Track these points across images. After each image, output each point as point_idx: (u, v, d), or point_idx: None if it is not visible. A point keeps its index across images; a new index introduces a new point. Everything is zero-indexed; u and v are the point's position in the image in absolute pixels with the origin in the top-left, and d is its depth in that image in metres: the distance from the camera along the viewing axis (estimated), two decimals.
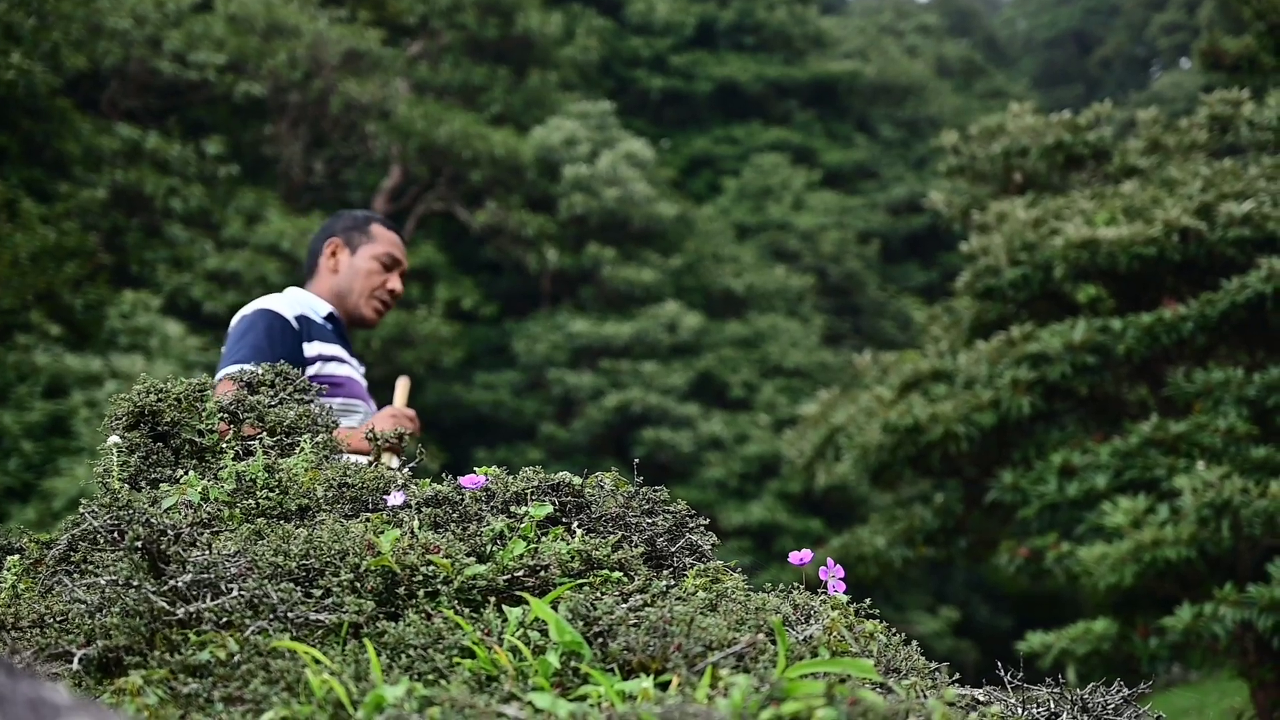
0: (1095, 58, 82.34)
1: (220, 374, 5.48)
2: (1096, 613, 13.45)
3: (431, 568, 2.54)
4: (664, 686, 2.18)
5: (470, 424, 34.04)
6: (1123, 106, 46.18)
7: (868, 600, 2.73)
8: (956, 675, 2.68)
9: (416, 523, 2.78)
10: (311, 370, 5.71)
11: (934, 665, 2.61)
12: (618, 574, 2.60)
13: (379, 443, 4.96)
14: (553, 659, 2.22)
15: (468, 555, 2.60)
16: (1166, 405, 13.66)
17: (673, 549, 2.96)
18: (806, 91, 52.43)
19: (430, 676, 2.24)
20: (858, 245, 44.65)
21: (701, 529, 3.11)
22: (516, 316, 36.24)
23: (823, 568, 2.72)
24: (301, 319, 5.80)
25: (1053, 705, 2.63)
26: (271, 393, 3.85)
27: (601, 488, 3.04)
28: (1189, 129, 15.43)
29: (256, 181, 32.11)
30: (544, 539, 2.68)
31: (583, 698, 2.14)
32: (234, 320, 5.80)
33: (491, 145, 33.44)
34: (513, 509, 2.84)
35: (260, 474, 3.20)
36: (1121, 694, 2.63)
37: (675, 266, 37.48)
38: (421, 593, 2.50)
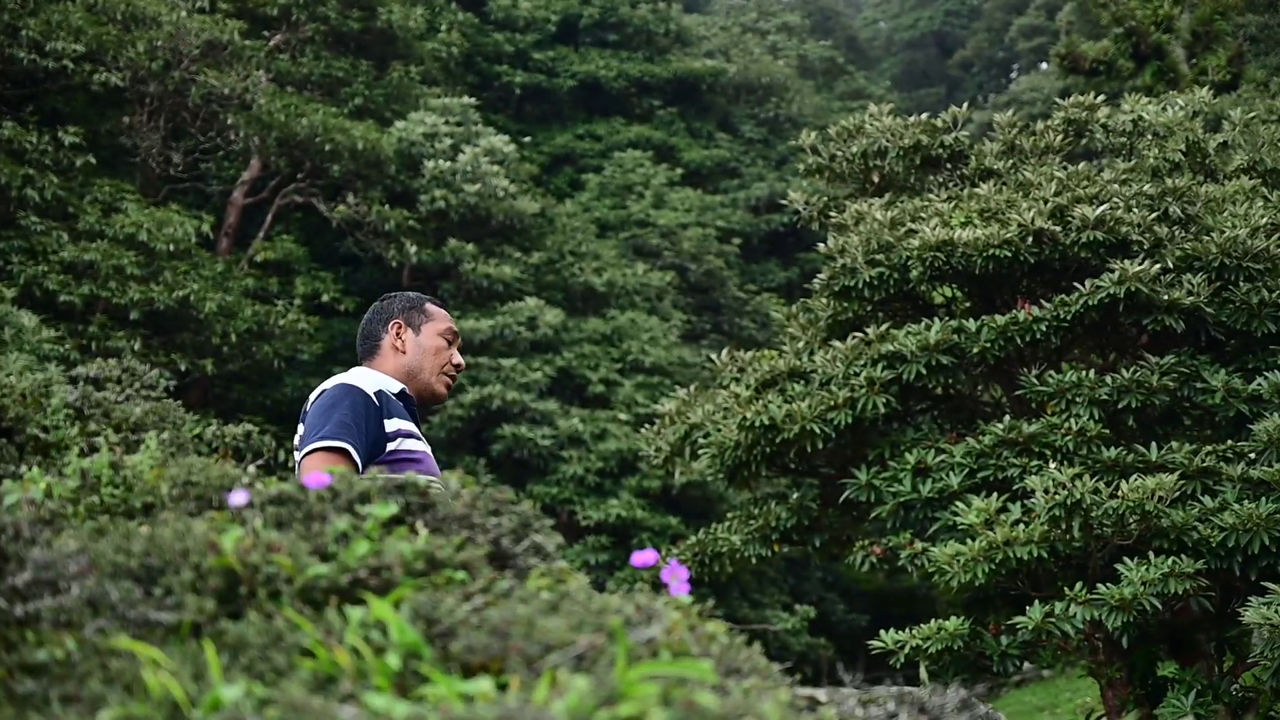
0: (956, 59, 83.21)
1: (308, 447, 5.64)
2: (950, 611, 13.55)
3: (274, 567, 2.51)
4: (504, 688, 2.18)
5: None
6: (982, 109, 46.65)
7: (710, 602, 2.74)
8: (798, 675, 2.69)
9: (260, 522, 2.76)
10: (392, 445, 5.82)
11: (779, 666, 2.62)
12: (461, 574, 2.59)
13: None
14: (393, 660, 2.21)
15: (311, 555, 2.58)
16: (1020, 406, 13.79)
17: (517, 549, 2.96)
18: (669, 89, 52.62)
19: (270, 677, 2.22)
20: (718, 243, 44.88)
21: (546, 529, 3.10)
22: None
23: (665, 569, 2.72)
24: (380, 394, 5.93)
25: (892, 706, 2.65)
26: (118, 389, 3.82)
27: (447, 487, 3.03)
28: (1044, 132, 15.57)
29: (114, 172, 31.83)
30: (388, 539, 2.66)
31: (422, 698, 2.13)
32: (313, 396, 5.93)
33: (352, 139, 33.31)
34: (357, 508, 2.82)
35: (105, 471, 3.17)
36: (960, 695, 2.65)
37: (536, 263, 37.53)
38: (263, 592, 2.47)
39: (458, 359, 6.39)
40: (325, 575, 2.50)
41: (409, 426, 5.95)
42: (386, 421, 5.82)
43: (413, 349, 6.25)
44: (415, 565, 2.57)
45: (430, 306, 6.38)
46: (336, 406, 5.73)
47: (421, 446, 5.96)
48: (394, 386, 6.08)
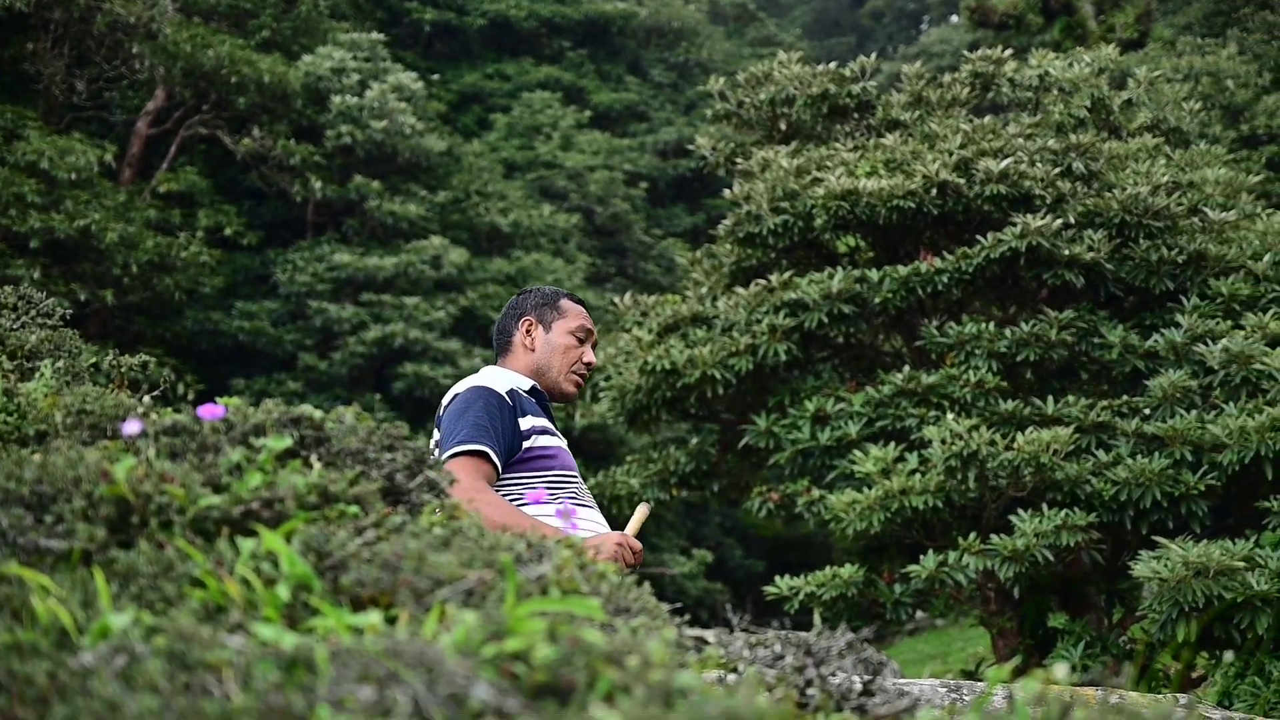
0: (867, 9, 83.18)
1: (447, 453, 5.59)
2: (845, 558, 13.61)
3: (166, 497, 2.51)
4: (393, 621, 2.18)
5: (229, 353, 33.69)
6: (891, 60, 46.74)
7: None
8: (688, 617, 2.71)
9: (153, 452, 2.75)
10: (528, 444, 5.78)
11: (671, 607, 2.63)
12: (354, 509, 2.59)
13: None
14: (283, 591, 2.21)
15: (204, 486, 2.58)
16: (920, 356, 13.87)
17: (411, 485, 2.96)
18: (579, 31, 52.45)
19: (159, 606, 2.21)
20: (625, 187, 44.78)
21: (440, 465, 3.11)
22: (279, 246, 35.87)
23: (559, 508, 2.73)
24: (512, 394, 5.90)
25: (779, 648, 2.67)
26: (14, 316, 3.78)
27: (342, 422, 3.03)
28: (951, 85, 15.61)
29: (15, 99, 31.40)
30: (281, 472, 2.65)
31: (311, 630, 2.13)
32: (447, 399, 5.94)
33: (259, 71, 33.00)
34: (252, 441, 2.81)
35: None
36: (846, 638, 2.67)
37: (441, 201, 37.35)
38: (155, 522, 2.46)
39: (589, 357, 6.28)
40: (217, 506, 2.50)
41: (543, 423, 5.94)
42: (521, 420, 5.82)
43: (542, 347, 6.20)
44: (308, 498, 2.57)
45: (565, 303, 6.31)
46: (470, 409, 5.74)
47: (556, 442, 5.94)
48: (525, 384, 6.08)
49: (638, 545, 5.50)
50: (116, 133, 34.32)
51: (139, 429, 2.78)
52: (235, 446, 2.78)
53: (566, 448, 6.05)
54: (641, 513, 5.83)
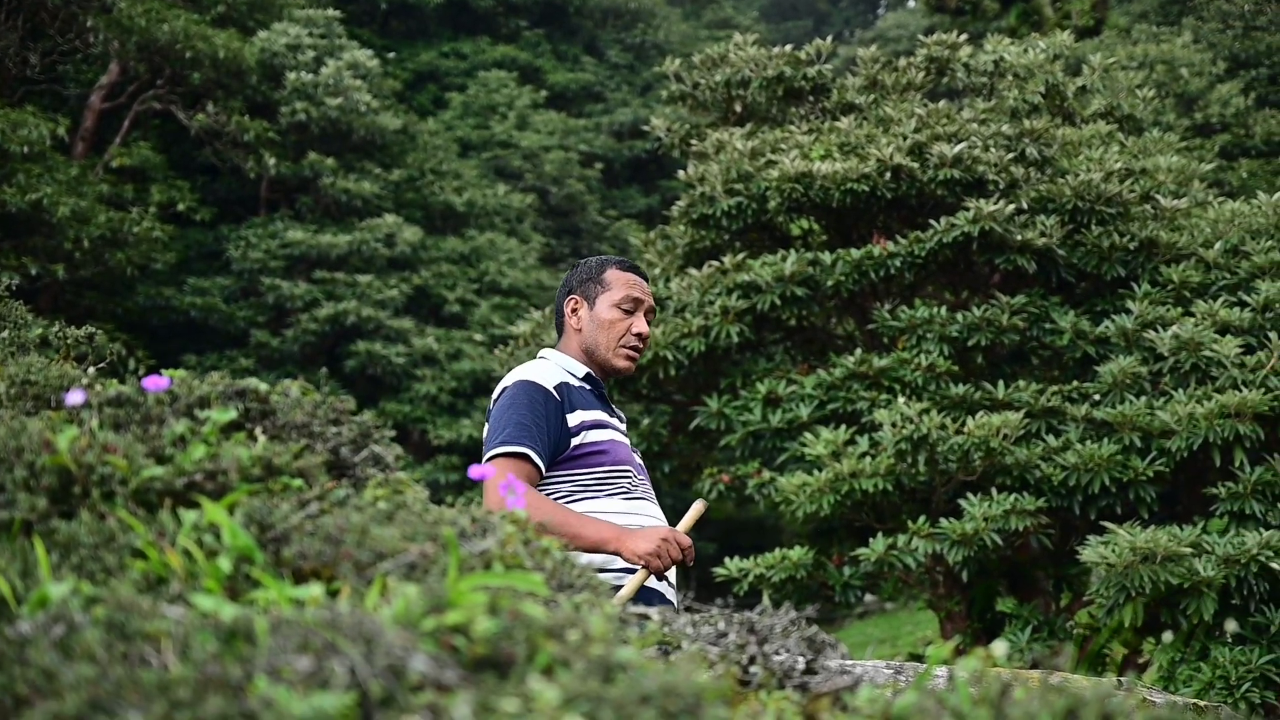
0: None
1: (490, 453, 5.46)
2: (795, 540, 13.64)
3: (109, 468, 2.50)
4: (335, 594, 2.18)
5: (181, 329, 33.58)
6: (848, 44, 46.81)
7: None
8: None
9: (97, 422, 2.74)
10: (576, 440, 5.57)
11: (612, 584, 2.64)
12: (298, 482, 2.58)
13: (645, 568, 5.10)
14: (225, 563, 2.20)
15: (147, 457, 2.57)
16: (872, 340, 13.90)
17: (356, 459, 2.95)
18: (536, 10, 52.37)
19: (100, 576, 2.20)
20: (580, 167, 44.75)
21: (386, 440, 3.10)
22: (232, 222, 35.75)
23: (502, 483, 2.73)
24: (561, 387, 5.67)
25: (722, 625, 2.68)
26: None
27: (288, 396, 3.02)
28: (907, 69, 15.64)
29: None
30: (225, 444, 2.64)
31: (252, 602, 2.13)
32: (495, 392, 5.72)
33: (214, 47, 32.84)
34: (196, 413, 2.80)
35: None
36: (789, 617, 2.68)
37: (396, 179, 37.27)
38: (97, 493, 2.46)
39: (639, 327, 5.91)
40: (160, 477, 2.49)
41: (595, 415, 5.70)
42: (569, 416, 5.61)
43: (588, 325, 5.92)
44: (252, 471, 2.56)
45: (610, 273, 5.99)
46: (514, 406, 5.52)
47: (607, 436, 5.69)
48: (578, 370, 5.86)
49: (686, 541, 5.34)
50: (70, 106, 34.15)
51: (82, 399, 2.77)
52: (179, 418, 2.77)
53: (623, 437, 5.81)
54: (696, 510, 5.60)
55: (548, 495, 5.50)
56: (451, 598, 1.94)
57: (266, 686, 1.73)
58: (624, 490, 5.61)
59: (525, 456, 5.42)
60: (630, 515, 5.55)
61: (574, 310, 5.96)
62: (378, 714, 1.73)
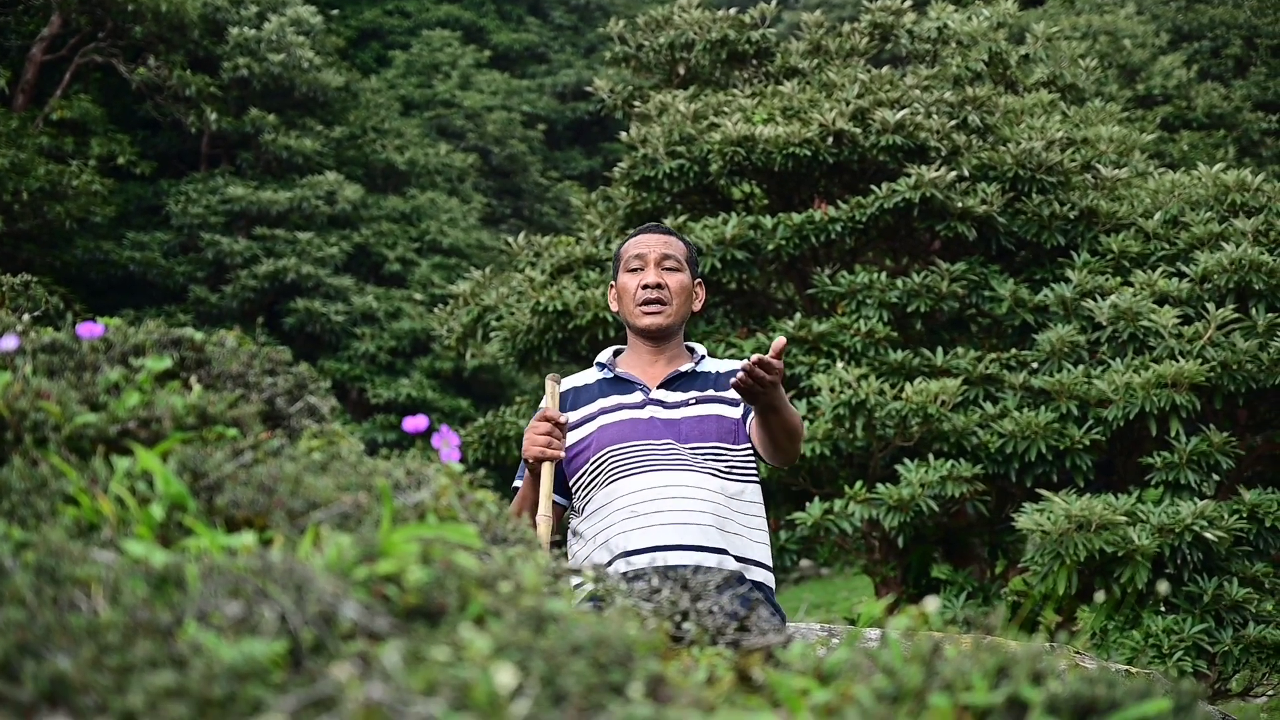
0: None
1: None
2: None
3: (42, 414, 2.48)
4: (268, 543, 2.17)
5: (119, 283, 33.41)
6: (792, 9, 46.74)
7: (482, 471, 2.75)
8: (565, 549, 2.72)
9: (30, 369, 2.72)
10: (569, 441, 5.50)
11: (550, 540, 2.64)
12: (233, 431, 2.57)
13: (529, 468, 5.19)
14: (157, 510, 2.19)
15: (81, 404, 2.55)
16: (811, 304, 13.92)
17: (291, 410, 2.94)
18: None
19: (31, 522, 2.19)
20: (523, 128, 44.66)
21: (322, 391, 3.09)
22: (172, 177, 35.58)
23: (436, 435, 2.72)
24: (570, 392, 5.66)
25: (656, 581, 2.68)
26: None
27: (223, 345, 3.00)
28: (850, 34, 15.66)
29: None
30: (160, 392, 2.63)
31: (185, 550, 2.12)
32: None
33: (156, 0, 32.65)
34: (131, 361, 2.79)
35: None
36: (724, 573, 2.69)
37: (337, 137, 37.14)
38: (30, 439, 2.44)
39: (646, 278, 5.63)
40: (93, 424, 2.47)
41: (586, 411, 5.60)
42: (570, 415, 5.55)
43: (617, 303, 5.78)
44: (186, 419, 2.54)
45: (624, 246, 5.82)
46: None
47: (591, 427, 5.54)
48: (606, 359, 5.79)
49: (552, 415, 5.22)
50: (10, 58, 33.89)
51: (16, 345, 2.74)
52: (114, 366, 2.76)
53: (625, 413, 5.56)
54: (549, 387, 5.45)
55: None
56: (384, 548, 1.94)
57: (196, 632, 1.72)
58: (603, 480, 5.44)
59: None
60: (615, 500, 5.37)
61: (614, 297, 5.85)
62: (308, 661, 1.72)
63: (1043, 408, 11.91)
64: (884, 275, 13.23)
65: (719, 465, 5.40)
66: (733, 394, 5.48)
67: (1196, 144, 31.05)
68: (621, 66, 16.83)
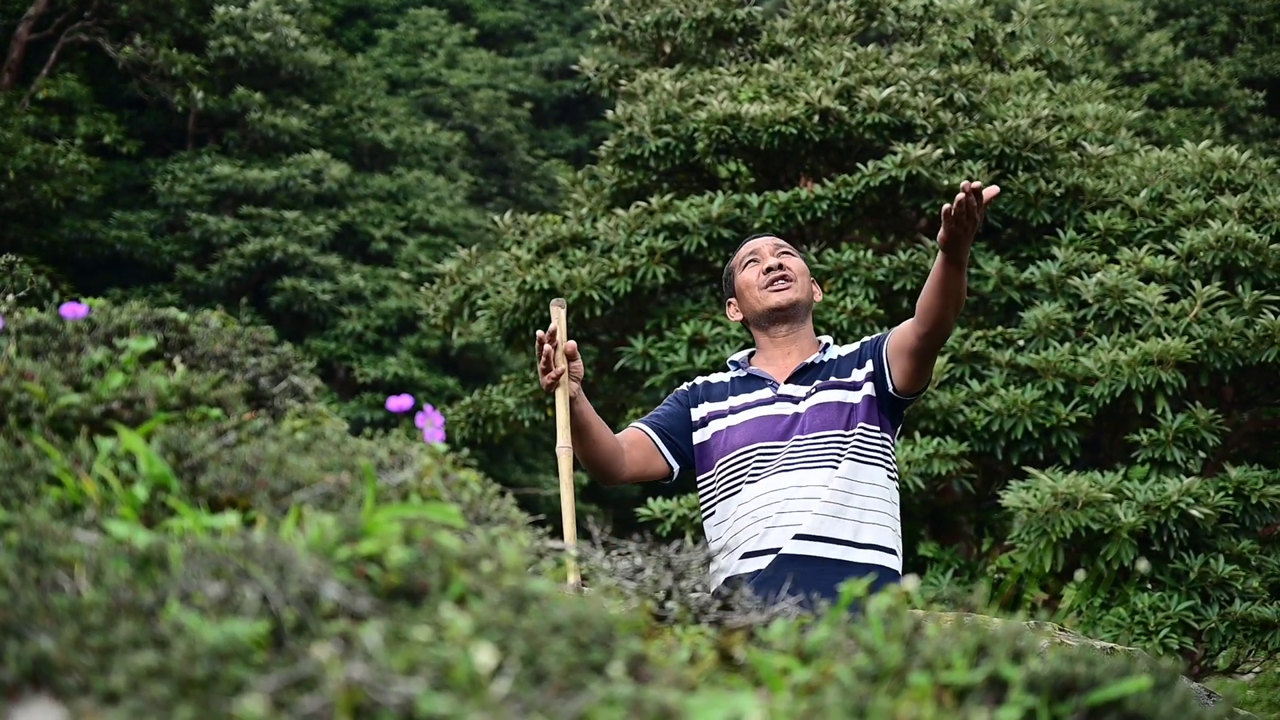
0: None
1: None
2: None
3: (25, 395, 2.48)
4: (251, 523, 2.18)
5: (106, 262, 33.32)
6: None
7: (468, 450, 2.75)
8: (550, 528, 2.72)
9: (14, 349, 2.72)
10: (697, 437, 5.69)
11: (531, 517, 2.64)
12: (216, 411, 2.57)
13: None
14: (140, 490, 2.20)
15: (65, 384, 2.55)
16: None
17: (275, 390, 2.94)
18: None
19: (15, 502, 2.19)
20: (509, 106, 44.53)
21: (306, 371, 3.09)
22: (159, 156, 35.45)
23: (420, 414, 2.72)
24: (703, 385, 5.83)
25: (639, 560, 2.69)
26: None
27: (207, 326, 3.00)
28: (836, 12, 15.65)
29: None
30: (144, 372, 2.63)
31: (168, 530, 2.12)
32: None
33: None
34: (115, 341, 2.79)
35: None
36: (706, 553, 2.70)
37: (324, 115, 37.04)
38: (14, 419, 2.44)
39: (766, 263, 5.70)
40: (77, 405, 2.48)
41: (719, 407, 5.69)
42: (693, 410, 5.73)
43: (740, 309, 5.83)
44: (170, 400, 2.55)
45: (734, 257, 5.93)
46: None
47: (720, 425, 5.65)
48: (739, 358, 5.88)
49: (544, 335, 5.15)
50: None
51: (1, 326, 2.75)
52: (98, 347, 2.76)
53: (752, 411, 5.62)
54: (556, 312, 5.27)
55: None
56: (367, 528, 1.94)
57: (179, 612, 1.73)
58: (729, 488, 5.54)
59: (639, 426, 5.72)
60: (744, 508, 5.47)
61: (735, 310, 5.90)
62: (290, 641, 1.73)
63: (1029, 385, 11.92)
64: (870, 253, 13.23)
65: (840, 453, 5.44)
66: (855, 377, 5.62)
67: (1183, 121, 31.04)
68: (608, 45, 16.82)
